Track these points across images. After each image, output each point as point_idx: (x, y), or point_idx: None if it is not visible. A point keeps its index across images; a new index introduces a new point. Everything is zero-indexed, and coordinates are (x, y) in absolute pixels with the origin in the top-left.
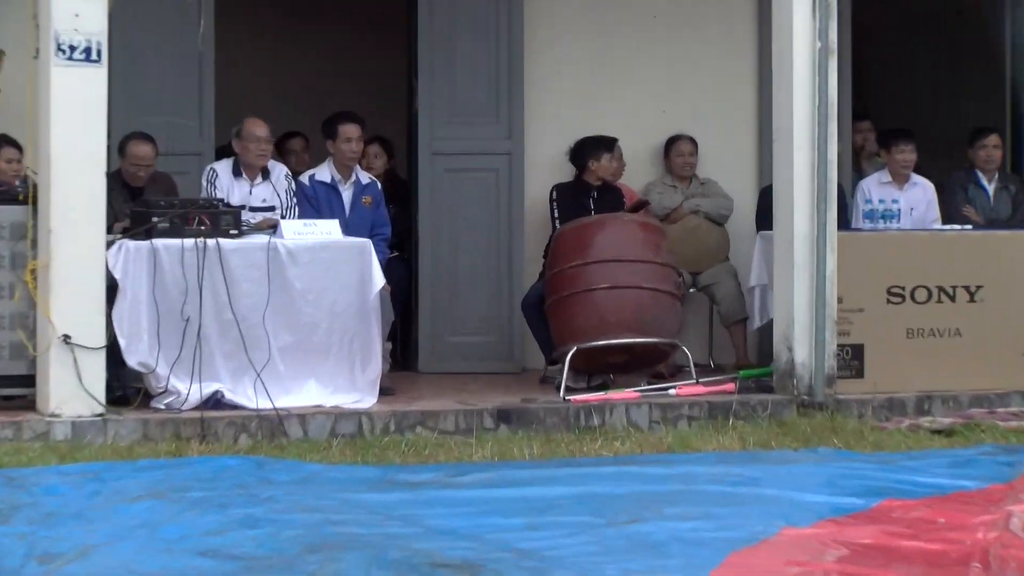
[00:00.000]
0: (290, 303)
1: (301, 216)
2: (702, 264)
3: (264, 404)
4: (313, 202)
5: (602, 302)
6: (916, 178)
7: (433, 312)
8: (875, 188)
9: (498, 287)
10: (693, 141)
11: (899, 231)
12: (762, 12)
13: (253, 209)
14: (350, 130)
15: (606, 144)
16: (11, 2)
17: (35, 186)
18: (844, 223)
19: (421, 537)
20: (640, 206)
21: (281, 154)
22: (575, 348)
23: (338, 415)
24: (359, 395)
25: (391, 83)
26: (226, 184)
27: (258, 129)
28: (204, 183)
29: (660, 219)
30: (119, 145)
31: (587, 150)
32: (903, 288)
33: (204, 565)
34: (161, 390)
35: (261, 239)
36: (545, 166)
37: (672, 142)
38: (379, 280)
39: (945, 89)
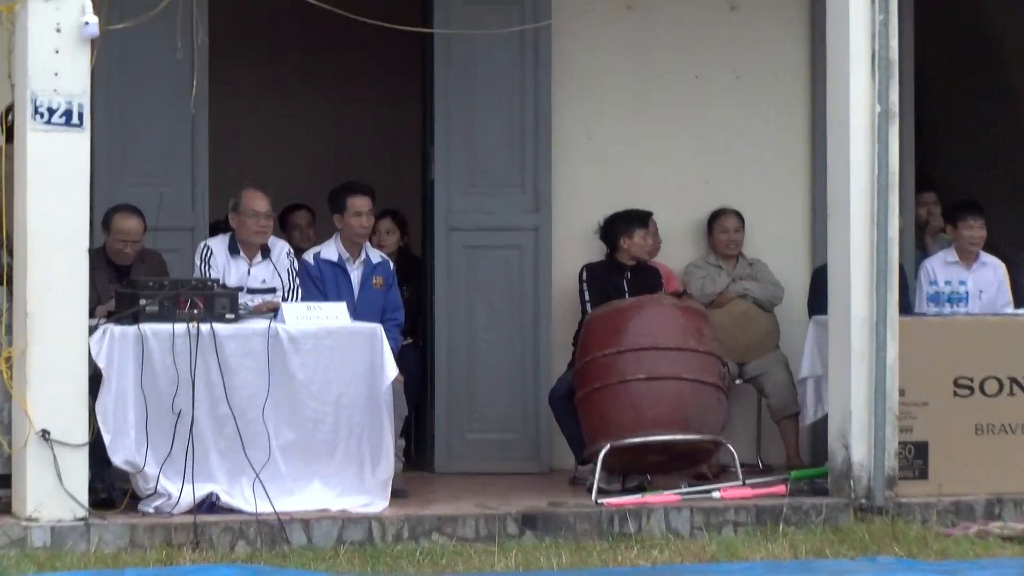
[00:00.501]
0: (292, 395)
1: (305, 298)
2: (750, 353)
3: (264, 507)
4: (318, 283)
5: (638, 395)
6: (985, 257)
7: (450, 406)
8: (940, 268)
9: (523, 378)
10: (739, 216)
11: (967, 316)
12: (816, 72)
13: (251, 291)
14: (360, 203)
15: (639, 219)
16: None
17: (10, 265)
18: (906, 307)
19: None
20: (679, 295)
21: (283, 229)
22: (608, 446)
23: (346, 520)
24: (369, 498)
25: (404, 150)
26: (222, 263)
27: (257, 202)
28: (197, 261)
29: (703, 303)
30: (103, 219)
31: (619, 226)
32: (971, 380)
33: None
34: (150, 492)
35: (260, 324)
36: (575, 242)
37: (716, 217)
38: (391, 370)
39: (1020, 157)
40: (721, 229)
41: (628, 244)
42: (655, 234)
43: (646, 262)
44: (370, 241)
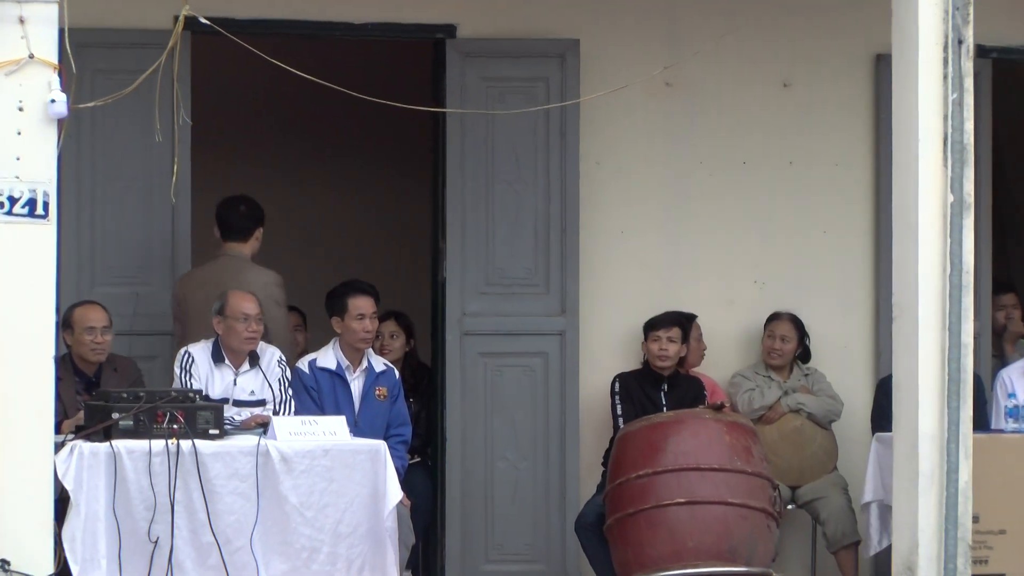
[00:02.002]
0: (284, 522)
1: (299, 412)
2: (804, 475)
3: None
4: (314, 394)
5: (677, 522)
6: None
7: (464, 534)
8: (1020, 379)
9: (546, 502)
10: (795, 322)
11: None
12: (880, 157)
13: (238, 403)
14: (363, 304)
15: (660, 322)
16: None
17: None
18: (981, 423)
19: None
20: (720, 408)
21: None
22: None
23: None
24: None
25: (411, 246)
26: (205, 372)
27: (246, 304)
28: (177, 370)
29: (752, 418)
30: (63, 320)
31: (647, 328)
32: None
33: None
34: None
35: (248, 441)
36: (605, 349)
37: (770, 321)
38: (395, 493)
39: None
40: (769, 334)
41: (645, 350)
42: (699, 339)
43: (686, 372)
44: (372, 347)
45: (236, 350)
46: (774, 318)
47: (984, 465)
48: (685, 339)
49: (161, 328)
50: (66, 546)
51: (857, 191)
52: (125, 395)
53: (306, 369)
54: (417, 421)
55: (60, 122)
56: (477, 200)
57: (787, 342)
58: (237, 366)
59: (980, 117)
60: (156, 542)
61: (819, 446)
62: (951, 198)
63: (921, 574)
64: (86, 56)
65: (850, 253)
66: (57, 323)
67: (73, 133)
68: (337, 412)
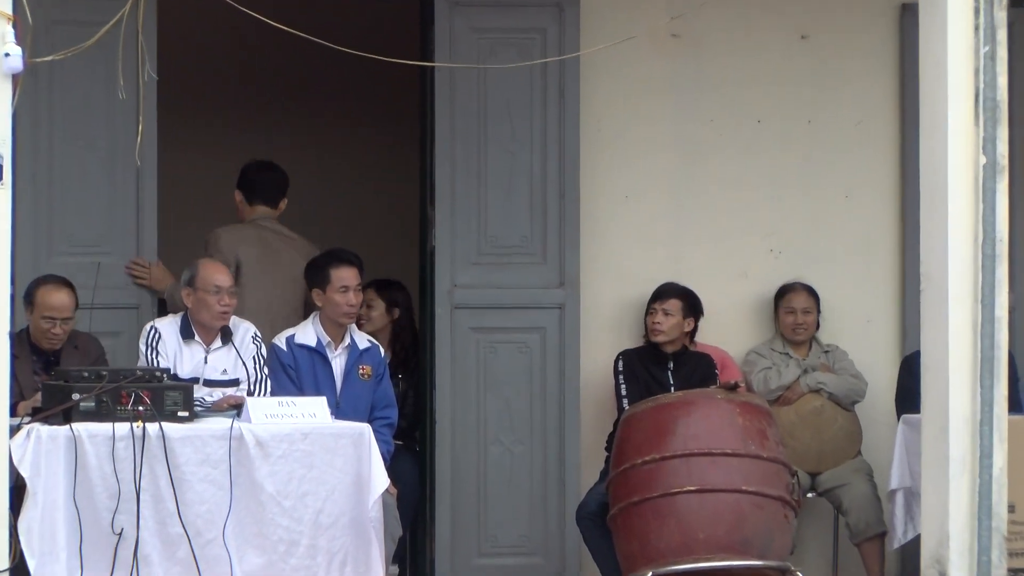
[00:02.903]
0: (260, 512)
1: (275, 393)
2: (824, 460)
3: None
4: (292, 373)
5: (687, 511)
6: None
7: (455, 525)
8: None
9: (544, 490)
10: (811, 293)
11: None
12: (906, 116)
13: (209, 383)
14: (346, 275)
15: (669, 292)
16: None
17: None
18: (1017, 404)
19: None
20: (734, 388)
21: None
22: (650, 574)
23: None
24: None
25: (398, 213)
26: (173, 349)
27: (219, 276)
28: (143, 348)
29: (768, 399)
30: (25, 294)
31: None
32: None
33: None
34: None
35: (221, 424)
36: (609, 325)
37: (782, 293)
38: (381, 481)
39: None
40: (787, 309)
41: (648, 322)
42: (808, 312)
43: (694, 349)
44: (360, 321)
45: (207, 325)
46: (788, 290)
47: (1020, 450)
48: (691, 312)
49: (125, 301)
50: (22, 538)
51: (881, 152)
52: (86, 374)
53: (283, 346)
54: (404, 402)
55: (15, 78)
56: (468, 163)
57: (808, 314)
58: (208, 343)
59: (1015, 71)
60: (120, 534)
61: (841, 429)
62: (983, 160)
63: (952, 568)
64: (43, 6)
65: (873, 219)
66: (13, 295)
67: (29, 90)
68: (317, 392)
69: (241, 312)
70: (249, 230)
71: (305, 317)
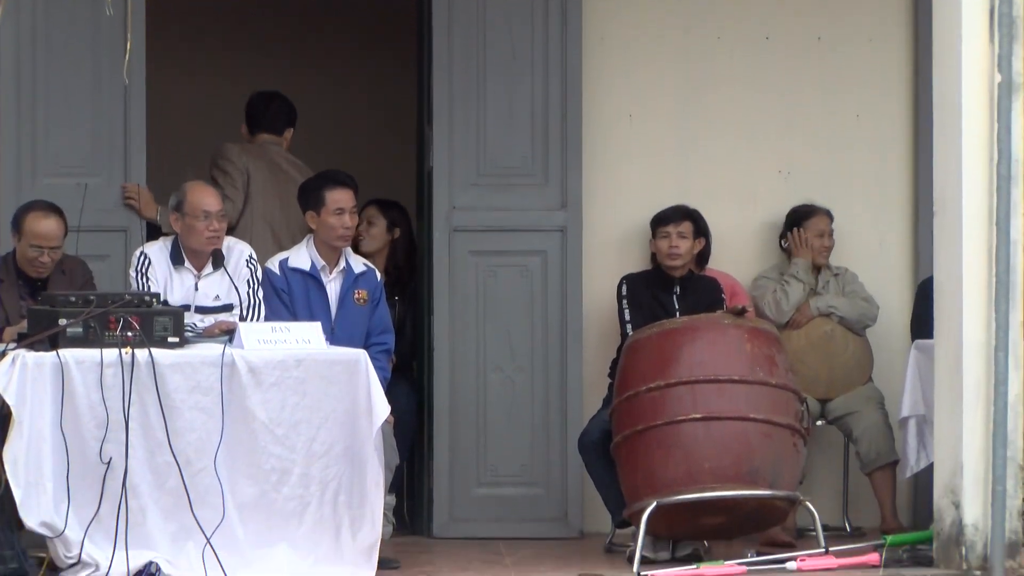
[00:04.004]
0: (252, 441)
1: (269, 318)
2: (835, 387)
3: None
4: (285, 298)
5: (692, 440)
6: None
7: (454, 454)
8: None
9: (545, 419)
10: (830, 216)
11: None
12: (919, 33)
13: (201, 309)
14: (341, 197)
15: (680, 214)
16: None
17: None
18: None
19: None
20: (742, 313)
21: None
22: (654, 504)
23: None
24: (350, 569)
25: (395, 132)
26: (162, 274)
27: (208, 199)
28: (132, 273)
29: (776, 324)
30: (12, 220)
31: (654, 224)
32: None
33: None
34: (72, 561)
35: (212, 351)
36: (612, 248)
37: (804, 217)
38: (383, 408)
39: None
40: (816, 232)
41: (654, 248)
42: (823, 235)
43: (699, 272)
44: (358, 238)
45: (197, 251)
46: (812, 213)
47: None
48: (700, 234)
49: (113, 224)
50: (7, 468)
51: (893, 70)
52: (74, 299)
53: (276, 270)
54: (402, 328)
55: None
56: (467, 80)
57: (830, 236)
58: (199, 269)
59: None
60: (108, 463)
61: (851, 355)
62: (998, 78)
63: (966, 498)
64: None
65: (885, 140)
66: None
67: (11, 8)
68: (311, 317)
69: (249, 229)
70: (256, 149)
71: None
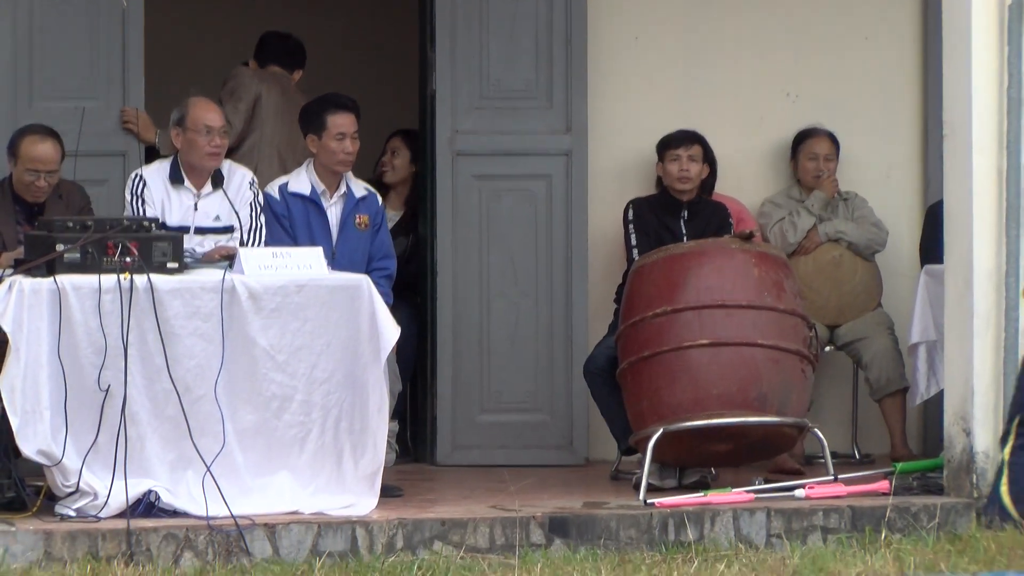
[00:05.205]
0: (252, 367)
1: (270, 243)
2: (843, 313)
3: (216, 509)
4: (285, 223)
5: (699, 366)
6: None
7: (457, 380)
8: None
9: (550, 345)
10: (832, 139)
11: None
12: None
13: (200, 231)
14: (343, 122)
15: (689, 138)
16: None
17: None
18: None
19: None
20: (748, 237)
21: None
22: (661, 431)
23: (322, 525)
24: (352, 497)
25: (397, 55)
26: (160, 196)
27: (210, 115)
28: (128, 197)
29: (785, 249)
30: (8, 145)
31: (662, 147)
32: None
33: None
34: (70, 490)
35: (212, 276)
36: (617, 172)
37: (802, 139)
38: (391, 331)
39: None
40: (809, 155)
41: (661, 172)
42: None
43: (707, 197)
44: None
45: (197, 167)
46: (809, 135)
47: None
48: (707, 158)
49: (111, 148)
50: (4, 396)
51: None
52: (71, 224)
53: (276, 195)
54: (412, 257)
55: None
56: (470, 2)
57: (830, 161)
58: (198, 188)
59: None
60: (107, 391)
61: (860, 280)
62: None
63: (976, 425)
64: None
65: (894, 63)
66: None
67: None
68: (312, 243)
69: (256, 154)
70: (269, 75)
71: None
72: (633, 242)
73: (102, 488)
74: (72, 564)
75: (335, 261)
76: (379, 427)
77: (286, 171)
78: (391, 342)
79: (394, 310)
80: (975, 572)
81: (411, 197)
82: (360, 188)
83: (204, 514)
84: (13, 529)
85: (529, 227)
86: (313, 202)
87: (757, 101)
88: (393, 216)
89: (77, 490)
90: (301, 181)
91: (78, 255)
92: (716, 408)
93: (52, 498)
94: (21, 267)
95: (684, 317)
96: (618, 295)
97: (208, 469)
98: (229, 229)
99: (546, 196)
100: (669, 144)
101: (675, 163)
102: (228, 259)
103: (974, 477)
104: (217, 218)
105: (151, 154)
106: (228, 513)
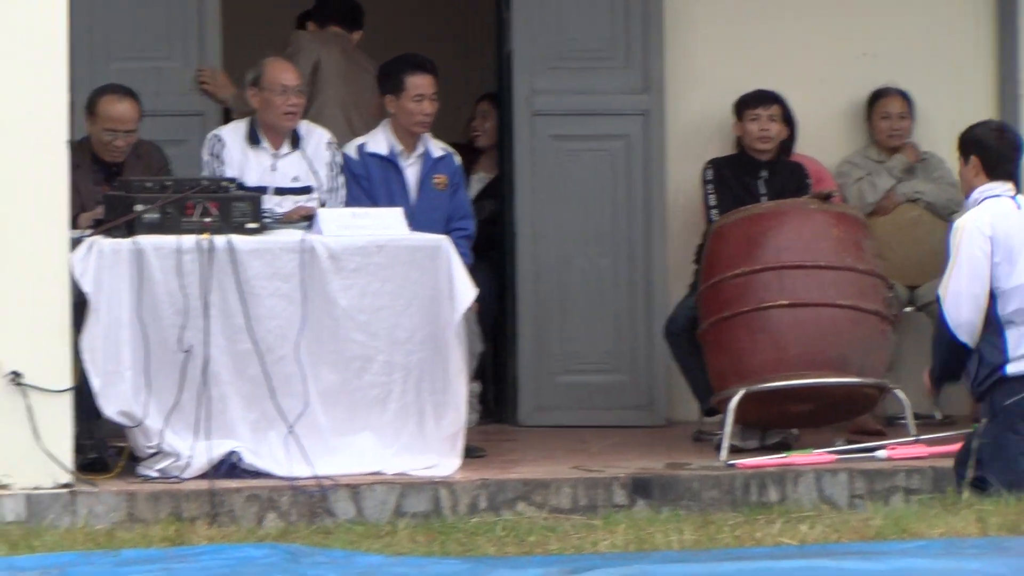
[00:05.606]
0: (334, 327)
1: (350, 203)
2: (923, 273)
3: (299, 470)
4: (364, 183)
5: (780, 326)
6: None
7: (538, 341)
8: None
9: (630, 305)
10: (905, 97)
11: None
12: None
13: (279, 191)
14: (421, 83)
15: (768, 97)
16: None
17: None
18: None
19: None
20: (827, 197)
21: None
22: (743, 392)
23: (405, 486)
24: (434, 457)
25: (473, 15)
26: (238, 157)
27: (286, 75)
28: (205, 157)
29: (863, 210)
30: (87, 104)
31: (740, 107)
32: None
33: None
34: (153, 451)
35: (291, 236)
36: (695, 132)
37: (876, 99)
38: (467, 292)
39: None
40: (882, 114)
41: (740, 131)
42: (778, 120)
43: (786, 158)
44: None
45: (274, 127)
46: (882, 95)
47: None
48: (787, 119)
49: (188, 108)
50: (85, 356)
51: None
52: (150, 184)
53: (354, 155)
54: (498, 219)
55: None
56: None
57: (904, 120)
58: (276, 148)
59: None
60: (188, 351)
61: (939, 240)
62: None
63: None
64: None
65: (969, 21)
66: (73, 103)
67: None
68: (390, 203)
69: (320, 117)
70: (329, 36)
71: None
72: (712, 203)
73: (185, 449)
74: (155, 525)
75: (413, 221)
76: (460, 387)
77: (353, 132)
78: (466, 303)
79: (476, 271)
80: None
81: (502, 159)
82: (438, 148)
83: (287, 474)
84: (96, 490)
85: (607, 187)
86: (391, 162)
87: (832, 59)
88: (484, 178)
89: (159, 451)
90: (379, 141)
91: (157, 215)
92: (797, 368)
93: (134, 459)
94: (100, 228)
95: (764, 277)
96: (697, 255)
97: (291, 429)
98: (307, 189)
99: (624, 156)
100: (748, 103)
101: (754, 123)
102: (307, 219)
103: None
104: (295, 178)
105: (229, 114)
106: (311, 473)
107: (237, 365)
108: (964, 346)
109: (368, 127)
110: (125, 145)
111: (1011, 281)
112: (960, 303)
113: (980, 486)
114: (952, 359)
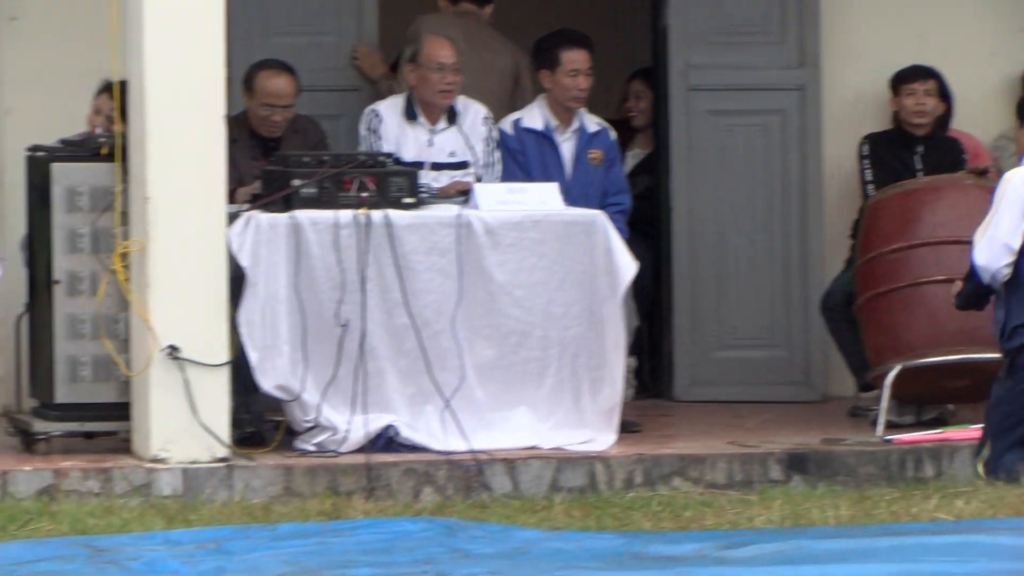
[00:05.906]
0: (490, 302)
1: (505, 178)
2: None
3: (456, 444)
4: (520, 158)
5: (936, 301)
6: None
7: (694, 316)
8: None
9: (786, 281)
10: None
11: None
12: None
13: (436, 167)
14: (577, 58)
15: (925, 72)
16: None
17: (124, 135)
18: None
19: None
20: (983, 173)
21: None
22: (899, 367)
23: (561, 460)
24: (590, 432)
25: None
26: (395, 132)
27: (443, 51)
28: (363, 132)
29: None
30: (244, 78)
31: (897, 82)
32: None
33: None
34: (310, 425)
35: (448, 211)
36: (851, 107)
37: None
38: (628, 267)
39: None
40: None
41: (897, 106)
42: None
43: (943, 133)
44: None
45: (432, 103)
46: None
47: None
48: (943, 94)
49: (345, 83)
50: (243, 330)
51: None
52: (307, 159)
53: (510, 130)
54: (653, 194)
55: None
56: None
57: None
58: (433, 124)
59: None
60: (345, 326)
61: None
62: None
63: None
64: None
65: None
66: (231, 78)
67: None
68: (546, 178)
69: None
70: (455, 19)
71: (513, 110)
72: (868, 178)
73: (342, 423)
74: (312, 499)
75: (569, 196)
76: (617, 362)
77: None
78: (628, 277)
79: (631, 245)
80: None
81: (657, 135)
82: (593, 123)
83: (443, 449)
84: (253, 464)
85: (763, 162)
86: (546, 137)
87: (990, 33)
88: (640, 154)
89: (316, 425)
90: (534, 116)
91: (315, 190)
92: (953, 344)
93: (291, 433)
94: (258, 202)
95: (920, 253)
96: (854, 230)
97: (447, 403)
98: (464, 165)
99: (780, 131)
100: (905, 78)
101: (911, 97)
102: (463, 194)
103: None
104: (452, 154)
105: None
106: (467, 448)
107: (394, 339)
108: (988, 287)
109: (494, 110)
110: (282, 120)
111: None
112: (991, 248)
113: None
114: (974, 295)
